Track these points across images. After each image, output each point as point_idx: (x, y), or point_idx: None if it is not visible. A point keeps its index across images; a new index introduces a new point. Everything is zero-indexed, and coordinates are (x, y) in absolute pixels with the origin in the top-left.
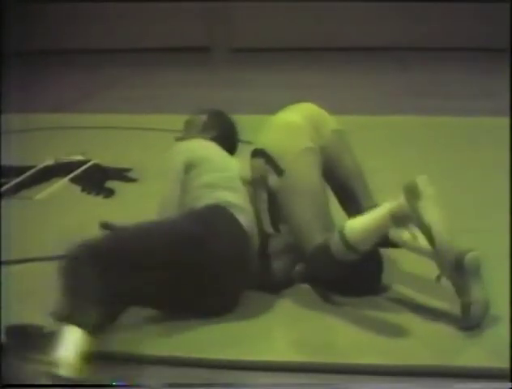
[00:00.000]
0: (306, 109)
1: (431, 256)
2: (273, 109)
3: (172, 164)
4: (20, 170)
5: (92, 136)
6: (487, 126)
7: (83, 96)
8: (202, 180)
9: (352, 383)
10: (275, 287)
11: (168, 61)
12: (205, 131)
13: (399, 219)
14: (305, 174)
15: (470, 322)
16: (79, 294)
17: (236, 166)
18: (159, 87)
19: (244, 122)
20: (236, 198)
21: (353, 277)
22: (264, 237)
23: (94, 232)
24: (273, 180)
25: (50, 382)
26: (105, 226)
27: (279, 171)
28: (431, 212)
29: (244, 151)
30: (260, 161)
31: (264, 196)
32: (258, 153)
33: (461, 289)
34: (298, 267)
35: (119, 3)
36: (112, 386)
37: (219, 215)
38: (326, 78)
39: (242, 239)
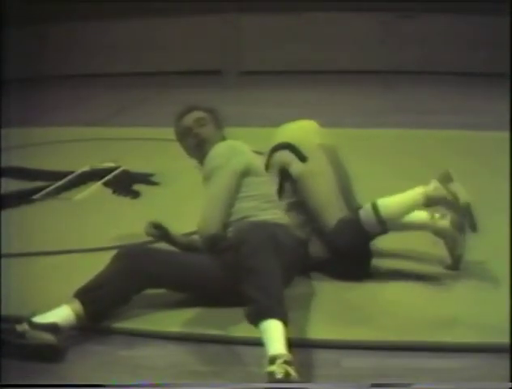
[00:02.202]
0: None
1: (447, 235)
2: (276, 123)
3: (234, 162)
4: (61, 175)
5: (122, 146)
6: (460, 138)
7: (115, 112)
8: (251, 191)
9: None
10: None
11: (186, 82)
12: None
13: (433, 199)
14: (323, 162)
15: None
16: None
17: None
18: (178, 105)
19: (252, 134)
20: (274, 216)
21: (345, 262)
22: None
23: (123, 226)
24: (297, 167)
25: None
26: (155, 226)
27: (303, 157)
28: (464, 194)
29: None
30: (284, 152)
31: (277, 185)
32: (281, 146)
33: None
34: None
35: (144, 31)
36: (112, 386)
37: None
38: (323, 96)
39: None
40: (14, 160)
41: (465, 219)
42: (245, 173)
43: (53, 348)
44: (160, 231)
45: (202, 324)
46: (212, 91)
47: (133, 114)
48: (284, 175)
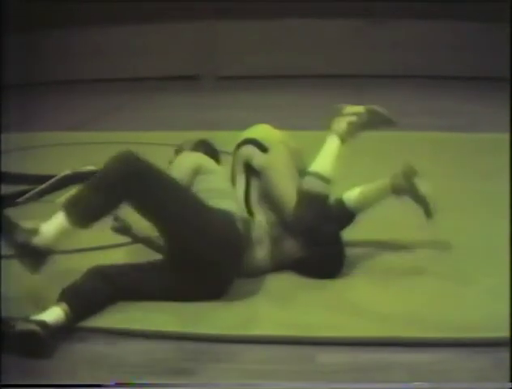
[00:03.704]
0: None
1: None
2: (251, 126)
3: (182, 167)
4: (44, 179)
5: (101, 150)
6: (432, 140)
7: (93, 118)
8: (208, 186)
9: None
10: (260, 273)
11: (163, 88)
12: (195, 150)
13: (398, 189)
14: (284, 153)
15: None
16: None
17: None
18: (156, 110)
19: (228, 138)
20: (235, 207)
21: (319, 261)
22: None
23: (104, 228)
24: (259, 158)
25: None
26: (115, 218)
27: (265, 148)
28: (423, 187)
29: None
30: (247, 147)
31: (244, 180)
32: (244, 141)
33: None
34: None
35: (120, 37)
36: (111, 386)
37: (226, 215)
38: (298, 100)
39: (238, 242)
40: None
41: (424, 207)
42: (196, 171)
43: (37, 337)
44: (120, 223)
45: (182, 322)
46: (189, 96)
47: (110, 119)
48: (249, 169)
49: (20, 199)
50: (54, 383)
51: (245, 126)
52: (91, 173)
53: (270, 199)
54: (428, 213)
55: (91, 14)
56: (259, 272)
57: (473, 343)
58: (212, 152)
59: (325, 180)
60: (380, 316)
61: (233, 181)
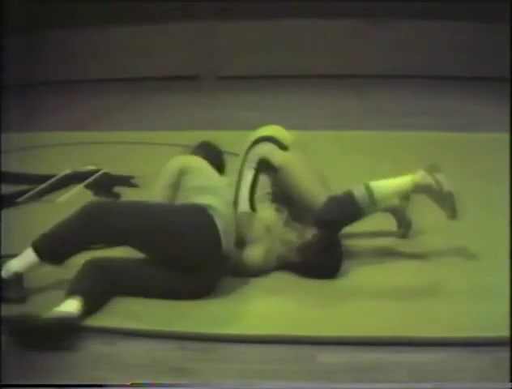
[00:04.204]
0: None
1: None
2: (252, 126)
3: (169, 168)
4: (44, 178)
5: (102, 150)
6: (432, 139)
7: (93, 117)
8: (193, 184)
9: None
10: (254, 273)
11: (163, 87)
12: (195, 154)
13: (420, 186)
14: (301, 153)
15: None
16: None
17: (221, 179)
18: (156, 110)
19: (228, 138)
20: (217, 203)
21: (319, 262)
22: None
23: None
24: (279, 156)
25: None
26: None
27: (285, 146)
28: (447, 184)
29: (231, 161)
30: (265, 144)
31: (251, 176)
32: (262, 139)
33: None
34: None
35: (120, 37)
36: (112, 385)
37: (199, 212)
38: (298, 100)
39: (215, 236)
40: None
41: (446, 206)
42: (182, 171)
43: (71, 323)
44: None
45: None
46: (189, 96)
47: (110, 119)
48: (264, 166)
49: (20, 199)
50: (54, 383)
51: (245, 125)
52: (92, 173)
53: (288, 196)
54: (452, 212)
55: (91, 14)
56: (255, 271)
57: (473, 343)
58: (214, 154)
59: (373, 201)
60: (380, 316)
61: (240, 177)
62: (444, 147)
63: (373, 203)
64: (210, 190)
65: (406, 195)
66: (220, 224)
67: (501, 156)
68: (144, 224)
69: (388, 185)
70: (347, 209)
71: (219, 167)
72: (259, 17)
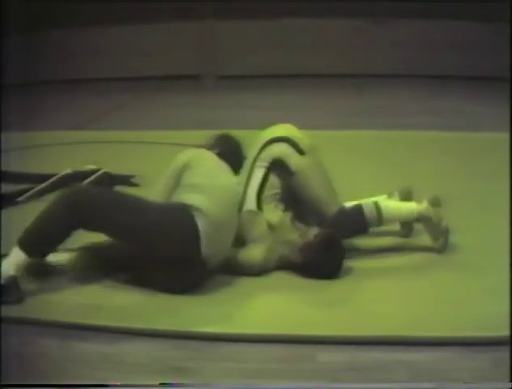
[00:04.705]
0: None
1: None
2: (253, 126)
3: (175, 161)
4: (44, 178)
5: (103, 150)
6: (432, 139)
7: (94, 117)
8: (190, 181)
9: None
10: (254, 272)
11: (165, 87)
12: (210, 149)
13: (422, 216)
14: (317, 158)
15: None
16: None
17: (227, 177)
18: (157, 109)
19: None
20: (205, 204)
21: (320, 262)
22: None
23: None
24: (297, 159)
25: None
26: None
27: (302, 151)
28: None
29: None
30: (281, 145)
31: (261, 176)
32: (279, 139)
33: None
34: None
35: (121, 37)
36: (113, 385)
37: (179, 211)
38: (298, 100)
39: (192, 237)
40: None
41: (439, 239)
42: (186, 166)
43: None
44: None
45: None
46: (190, 95)
47: (112, 119)
48: (277, 167)
49: (21, 198)
50: (54, 383)
51: (246, 125)
52: (92, 172)
53: (296, 198)
54: (444, 246)
55: (91, 14)
56: (254, 270)
57: (473, 342)
58: (231, 149)
59: (380, 219)
60: (380, 316)
61: (249, 175)
62: (444, 147)
63: (379, 221)
64: (203, 189)
65: (409, 224)
66: (203, 225)
67: (501, 156)
68: (118, 213)
69: (396, 207)
70: (355, 223)
71: (235, 163)
72: (259, 17)
